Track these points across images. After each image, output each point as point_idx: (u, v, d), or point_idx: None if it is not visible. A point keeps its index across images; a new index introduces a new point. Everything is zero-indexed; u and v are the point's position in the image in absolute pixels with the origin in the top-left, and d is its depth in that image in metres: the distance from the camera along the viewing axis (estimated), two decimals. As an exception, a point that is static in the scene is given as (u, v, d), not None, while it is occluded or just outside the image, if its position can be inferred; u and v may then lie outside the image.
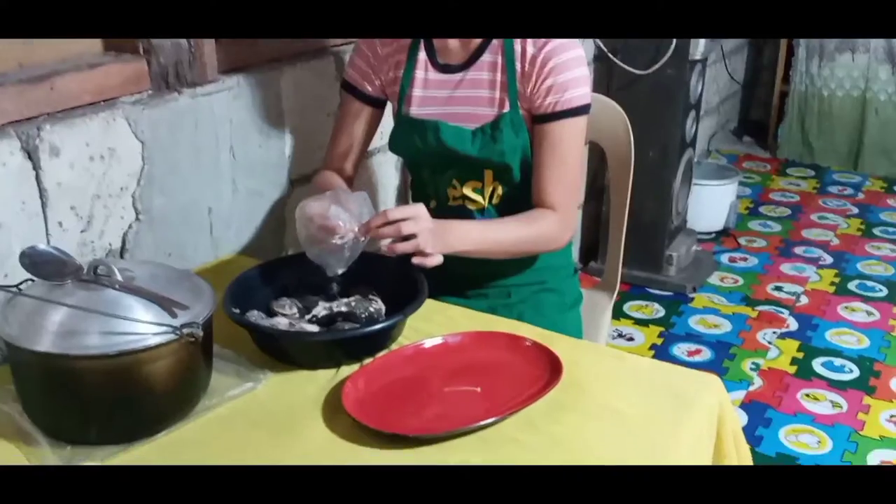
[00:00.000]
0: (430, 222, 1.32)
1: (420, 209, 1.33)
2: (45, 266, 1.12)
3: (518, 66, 1.46)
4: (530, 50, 1.45)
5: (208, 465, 1.04)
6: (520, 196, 1.55)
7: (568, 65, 1.44)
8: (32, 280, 1.13)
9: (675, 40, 2.89)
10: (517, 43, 1.46)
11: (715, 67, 4.28)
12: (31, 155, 1.32)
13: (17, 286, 1.12)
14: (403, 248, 1.29)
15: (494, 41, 1.48)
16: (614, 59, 2.99)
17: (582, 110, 1.46)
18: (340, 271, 1.34)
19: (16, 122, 1.31)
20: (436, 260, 1.31)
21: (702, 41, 2.98)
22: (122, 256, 1.50)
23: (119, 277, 1.11)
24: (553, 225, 1.48)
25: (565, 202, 1.49)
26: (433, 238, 1.31)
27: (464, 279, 1.58)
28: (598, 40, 3.03)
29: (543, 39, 1.44)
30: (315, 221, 1.29)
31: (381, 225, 1.29)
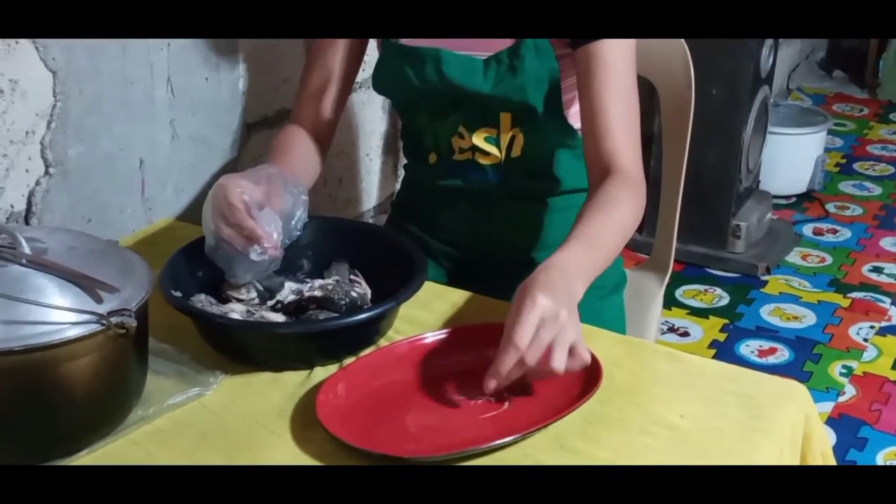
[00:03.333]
0: (561, 312, 1.16)
1: (533, 298, 1.16)
2: (-71, 234, 1.13)
3: None
4: None
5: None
6: (547, 145, 1.55)
7: None
8: (-87, 252, 1.13)
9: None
10: None
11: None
12: None
13: None
14: (571, 364, 1.17)
15: None
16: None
17: None
18: (246, 281, 1.35)
19: None
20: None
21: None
22: (27, 222, 1.51)
23: (26, 250, 1.10)
24: (634, 202, 1.40)
25: (633, 158, 1.43)
26: (574, 321, 1.19)
27: (475, 261, 1.58)
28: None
29: None
30: (233, 217, 1.28)
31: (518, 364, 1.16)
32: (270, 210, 1.32)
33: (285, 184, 1.38)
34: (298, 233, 1.37)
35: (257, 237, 1.29)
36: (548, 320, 1.14)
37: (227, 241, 1.30)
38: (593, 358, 1.23)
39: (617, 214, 1.38)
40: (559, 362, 1.14)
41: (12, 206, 1.48)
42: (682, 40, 1.85)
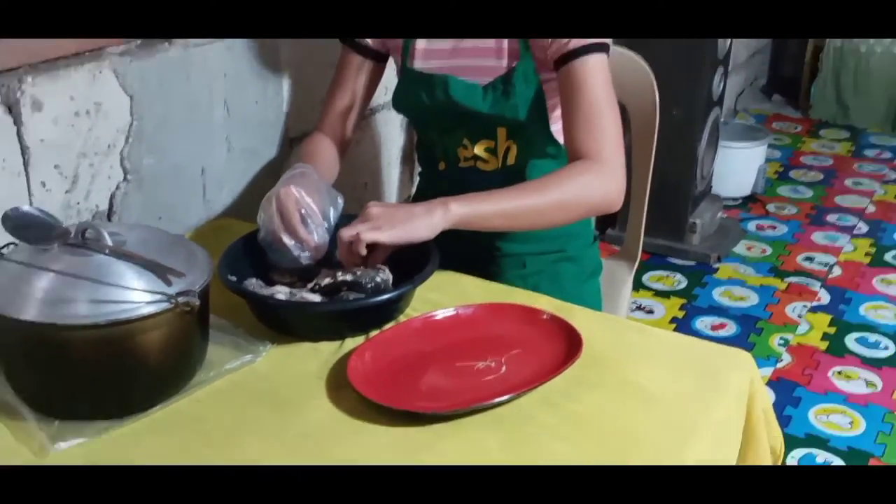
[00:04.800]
0: (377, 207, 1.28)
1: (369, 209, 1.28)
2: (29, 229, 1.12)
3: None
4: None
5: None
6: (534, 153, 1.54)
7: None
8: (15, 244, 1.13)
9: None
10: None
11: (744, 19, 4.25)
12: (11, 109, 1.32)
13: (-1, 250, 1.12)
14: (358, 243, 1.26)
15: None
16: (636, 10, 2.97)
17: (601, 47, 1.42)
18: (290, 268, 1.36)
19: (-5, 74, 1.31)
20: (371, 236, 1.26)
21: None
22: (109, 219, 1.50)
23: (109, 242, 1.10)
24: (589, 174, 1.37)
25: (603, 147, 1.38)
26: (386, 222, 1.26)
27: (475, 251, 1.58)
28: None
29: None
30: (289, 223, 1.31)
31: (345, 251, 1.28)
32: (317, 217, 1.33)
33: (327, 189, 1.40)
34: (333, 228, 1.37)
35: (304, 240, 1.31)
36: (368, 217, 1.26)
37: (282, 239, 1.31)
38: (574, 330, 1.24)
39: (553, 182, 1.37)
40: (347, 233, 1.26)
41: (97, 206, 1.48)
42: (650, 70, 1.84)
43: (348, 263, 1.30)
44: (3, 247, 1.13)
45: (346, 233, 1.26)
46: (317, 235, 1.33)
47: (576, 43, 1.40)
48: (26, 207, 1.14)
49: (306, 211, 1.32)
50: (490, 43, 1.48)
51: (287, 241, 1.31)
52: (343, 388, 1.16)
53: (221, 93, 1.67)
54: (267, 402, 1.15)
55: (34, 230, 1.12)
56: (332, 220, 1.37)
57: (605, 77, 1.42)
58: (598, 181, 1.38)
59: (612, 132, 1.40)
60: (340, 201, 1.41)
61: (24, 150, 1.35)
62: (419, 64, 1.53)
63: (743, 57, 4.55)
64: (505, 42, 1.47)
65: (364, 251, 1.26)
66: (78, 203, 1.45)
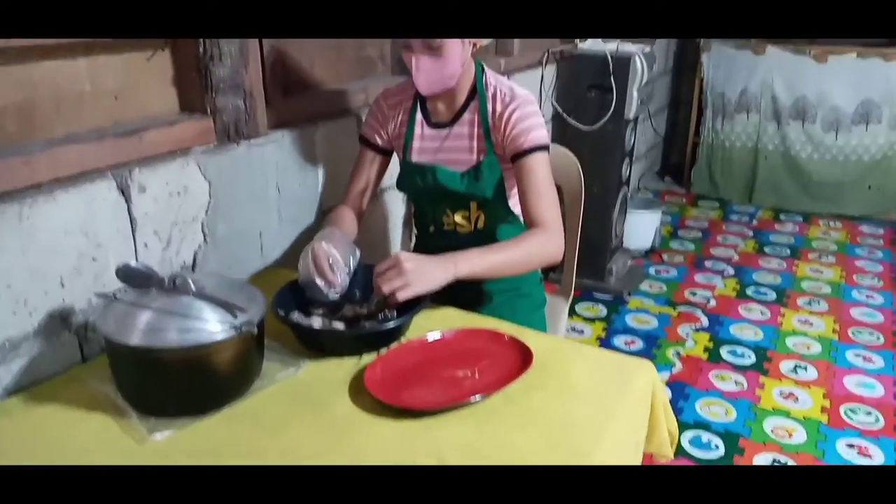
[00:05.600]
0: (410, 262, 1.23)
1: (399, 257, 1.24)
2: (135, 278, 1.13)
3: (490, 121, 1.47)
4: (499, 108, 1.46)
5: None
6: (497, 220, 1.55)
7: (529, 115, 1.44)
8: (125, 289, 1.13)
9: (613, 105, 2.91)
10: (489, 103, 1.47)
11: (643, 124, 4.32)
12: (124, 192, 1.32)
13: (113, 294, 1.13)
14: (395, 295, 1.23)
15: (472, 104, 1.49)
16: (567, 118, 3.01)
17: (545, 147, 1.44)
18: (322, 301, 1.34)
19: (113, 167, 1.31)
20: (405, 294, 1.22)
21: (634, 105, 3.00)
22: (193, 269, 1.50)
23: (193, 287, 1.11)
24: (543, 236, 1.38)
25: (550, 216, 1.40)
26: (416, 278, 1.23)
27: (455, 289, 1.57)
28: (553, 102, 3.05)
29: (509, 98, 1.45)
30: (321, 270, 1.30)
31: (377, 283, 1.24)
32: (341, 263, 1.33)
33: (348, 244, 1.39)
34: (352, 273, 1.36)
35: (332, 283, 1.31)
36: (399, 268, 1.22)
37: (316, 282, 1.31)
38: (527, 347, 1.23)
39: (521, 244, 1.37)
40: (387, 287, 1.22)
41: (184, 261, 1.48)
42: (577, 161, 1.86)
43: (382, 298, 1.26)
44: (116, 291, 1.13)
45: (386, 288, 1.22)
46: (340, 278, 1.32)
47: (528, 145, 1.42)
48: (133, 262, 1.15)
49: (333, 260, 1.32)
50: (465, 143, 1.50)
51: (319, 282, 1.31)
52: (361, 392, 1.15)
53: (274, 178, 1.67)
54: (305, 402, 1.14)
55: (139, 279, 1.12)
56: (351, 267, 1.36)
57: (547, 168, 1.45)
58: (549, 242, 1.39)
59: (553, 206, 1.42)
60: (357, 253, 1.40)
61: (132, 221, 1.34)
62: (415, 157, 1.54)
63: (643, 150, 4.61)
64: (475, 142, 1.49)
65: (399, 301, 1.24)
66: (171, 258, 1.44)
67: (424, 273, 1.24)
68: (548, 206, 1.41)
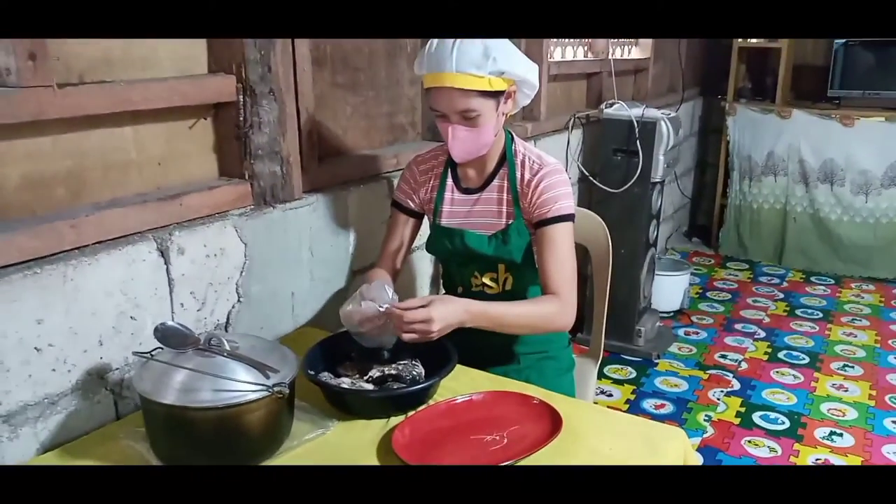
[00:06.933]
0: (440, 323, 1.26)
1: (432, 315, 1.25)
2: (171, 338, 1.14)
3: (519, 187, 1.49)
4: (527, 175, 1.48)
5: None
6: (525, 282, 1.55)
7: (556, 184, 1.46)
8: (162, 348, 1.14)
9: (639, 168, 2.93)
10: (518, 170, 1.49)
11: (670, 186, 4.32)
12: (163, 253, 1.35)
13: (149, 353, 1.13)
14: (413, 338, 1.27)
15: (501, 170, 1.51)
16: (594, 181, 3.03)
17: (569, 217, 1.46)
18: (373, 346, 1.36)
19: (154, 229, 1.34)
20: (429, 337, 1.27)
21: (660, 168, 3.01)
22: (227, 329, 1.51)
23: (227, 347, 1.12)
24: (555, 306, 1.40)
25: (567, 288, 1.41)
26: (440, 333, 1.28)
27: (483, 350, 1.57)
28: (580, 165, 3.08)
29: (538, 166, 1.47)
30: (356, 319, 1.33)
31: (405, 326, 1.26)
32: (369, 309, 1.32)
33: (368, 286, 1.38)
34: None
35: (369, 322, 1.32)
36: (430, 324, 1.24)
37: (365, 332, 1.33)
38: (557, 412, 1.21)
39: (533, 305, 1.41)
40: (410, 338, 1.25)
41: (219, 320, 1.49)
42: (604, 224, 1.87)
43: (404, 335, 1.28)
44: (152, 350, 1.14)
45: (408, 338, 1.26)
46: (379, 301, 1.32)
47: (552, 213, 1.44)
48: (170, 322, 1.16)
49: (374, 296, 1.32)
50: (494, 208, 1.51)
51: (367, 331, 1.32)
52: (389, 454, 1.14)
53: (307, 240, 1.69)
54: (333, 463, 1.13)
55: (175, 338, 1.14)
56: (388, 296, 1.34)
57: (570, 238, 1.46)
58: (561, 312, 1.40)
59: (570, 278, 1.43)
60: (396, 297, 1.38)
61: (170, 282, 1.37)
62: (445, 221, 1.56)
63: (670, 211, 4.60)
64: (504, 208, 1.51)
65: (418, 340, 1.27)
66: (206, 318, 1.46)
67: (450, 327, 1.28)
68: (566, 277, 1.42)
